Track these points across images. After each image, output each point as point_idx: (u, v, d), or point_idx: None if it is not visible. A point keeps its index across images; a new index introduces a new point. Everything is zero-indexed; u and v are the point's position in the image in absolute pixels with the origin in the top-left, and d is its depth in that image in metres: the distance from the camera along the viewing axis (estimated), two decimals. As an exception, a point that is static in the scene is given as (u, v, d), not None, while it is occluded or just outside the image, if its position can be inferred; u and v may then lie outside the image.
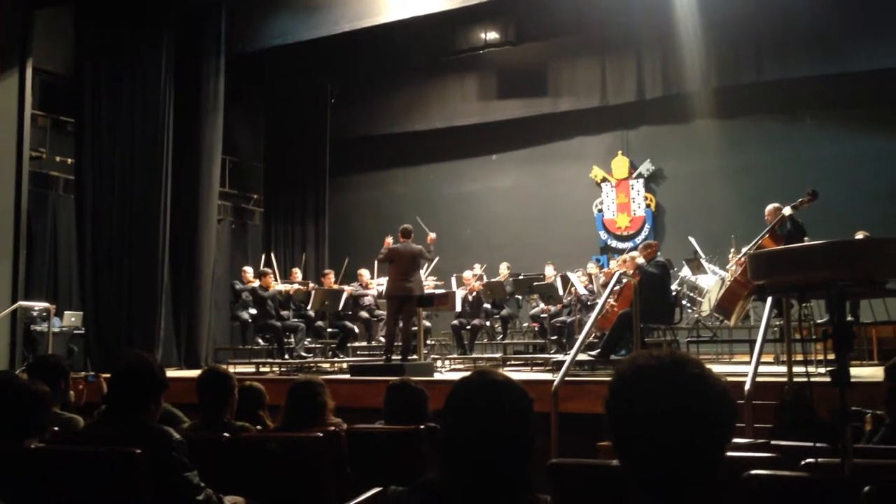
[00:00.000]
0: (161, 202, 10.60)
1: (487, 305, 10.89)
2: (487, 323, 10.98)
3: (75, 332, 11.31)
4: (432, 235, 9.32)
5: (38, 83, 11.92)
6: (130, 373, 3.14)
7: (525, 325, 12.05)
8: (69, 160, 11.91)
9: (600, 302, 7.48)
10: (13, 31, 10.25)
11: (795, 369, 5.82)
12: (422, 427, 4.10)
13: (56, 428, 3.58)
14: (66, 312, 11.46)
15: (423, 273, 10.57)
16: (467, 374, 1.88)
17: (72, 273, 12.11)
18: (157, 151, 10.63)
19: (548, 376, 7.61)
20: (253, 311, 10.44)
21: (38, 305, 10.51)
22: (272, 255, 12.48)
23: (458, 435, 1.78)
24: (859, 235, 7.28)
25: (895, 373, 3.52)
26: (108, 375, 3.44)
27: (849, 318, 7.94)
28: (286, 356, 10.08)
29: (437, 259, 10.07)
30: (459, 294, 10.67)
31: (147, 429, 3.06)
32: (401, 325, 8.87)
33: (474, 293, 10.66)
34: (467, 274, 10.95)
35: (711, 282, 9.72)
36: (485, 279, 11.02)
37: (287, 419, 4.18)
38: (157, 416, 3.22)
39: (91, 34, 10.76)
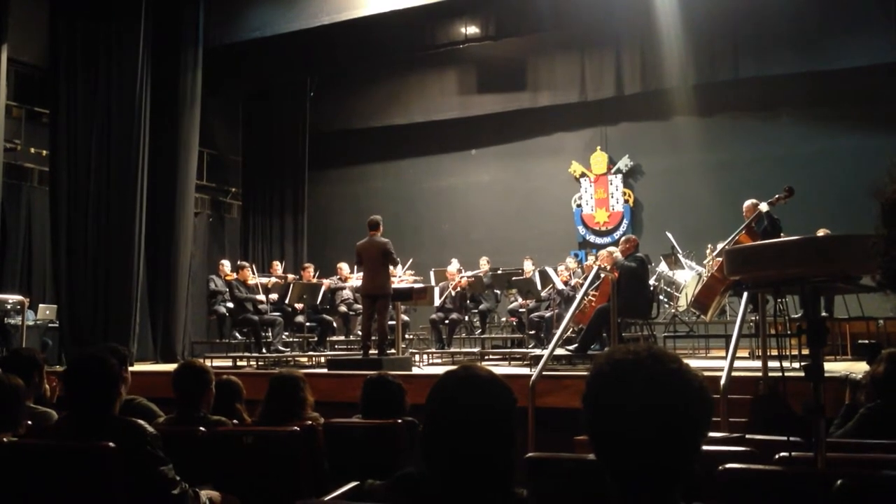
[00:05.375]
0: (137, 195, 10.49)
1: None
2: (466, 317, 10.99)
3: (50, 325, 11.20)
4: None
5: (13, 74, 11.77)
6: (84, 368, 3.10)
7: (503, 319, 12.08)
8: (44, 152, 11.77)
9: (578, 296, 7.51)
10: (-13, 20, 10.12)
11: (770, 364, 5.87)
12: (399, 421, 4.10)
13: (30, 422, 3.54)
14: (40, 306, 11.34)
15: (400, 269, 10.57)
16: (452, 367, 1.88)
17: (46, 266, 11.98)
18: (133, 144, 10.51)
19: (525, 371, 7.63)
20: (230, 304, 10.40)
21: (12, 298, 10.39)
22: (250, 259, 12.45)
23: (441, 428, 1.78)
24: (820, 233, 7.37)
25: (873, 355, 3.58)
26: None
27: (823, 314, 8.05)
28: (263, 350, 10.05)
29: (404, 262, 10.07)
30: (440, 288, 10.67)
31: (121, 423, 3.04)
32: (376, 321, 8.80)
33: (458, 288, 10.63)
34: (452, 269, 10.91)
35: (688, 277, 9.80)
36: (462, 272, 11.01)
37: (266, 412, 4.16)
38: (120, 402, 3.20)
39: (66, 24, 10.64)
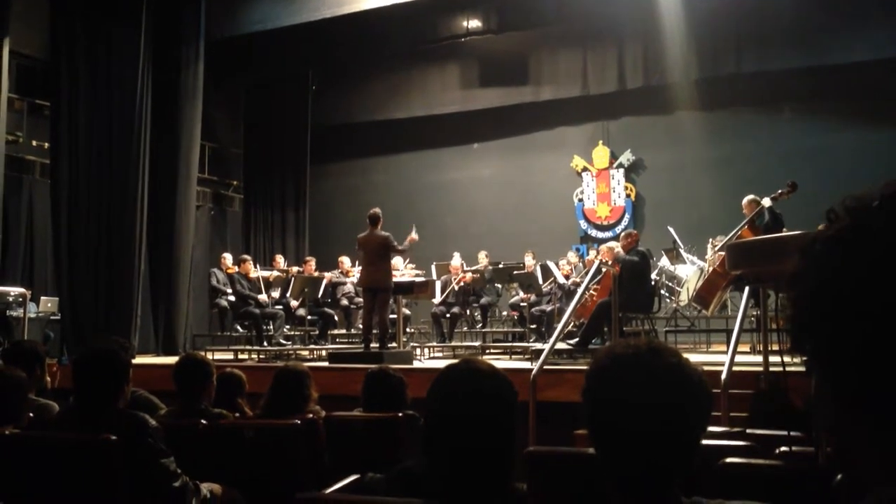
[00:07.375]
0: (138, 188, 10.50)
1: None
2: (467, 311, 10.99)
3: (51, 317, 11.20)
4: (413, 236, 9.14)
5: (15, 66, 11.76)
6: (96, 360, 3.11)
7: (504, 313, 12.07)
8: (46, 144, 11.77)
9: (579, 291, 7.50)
10: (-11, 13, 10.12)
11: (771, 359, 5.86)
12: (400, 415, 4.10)
13: (31, 414, 3.54)
14: (42, 298, 11.33)
15: (402, 262, 10.56)
16: (453, 361, 1.88)
17: (48, 258, 11.98)
18: (134, 136, 10.51)
19: (526, 365, 7.63)
20: (231, 297, 10.41)
21: (14, 290, 10.38)
22: (251, 253, 12.45)
23: (442, 422, 1.78)
24: (822, 228, 7.32)
25: None
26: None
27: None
28: (265, 343, 10.05)
29: (407, 253, 10.03)
30: (443, 282, 10.67)
31: (123, 415, 3.05)
32: (376, 314, 8.79)
33: (462, 283, 10.62)
34: (455, 262, 10.90)
35: (690, 272, 9.79)
36: (464, 266, 11.01)
37: (268, 404, 4.16)
38: (127, 399, 3.21)
39: (68, 17, 10.62)
